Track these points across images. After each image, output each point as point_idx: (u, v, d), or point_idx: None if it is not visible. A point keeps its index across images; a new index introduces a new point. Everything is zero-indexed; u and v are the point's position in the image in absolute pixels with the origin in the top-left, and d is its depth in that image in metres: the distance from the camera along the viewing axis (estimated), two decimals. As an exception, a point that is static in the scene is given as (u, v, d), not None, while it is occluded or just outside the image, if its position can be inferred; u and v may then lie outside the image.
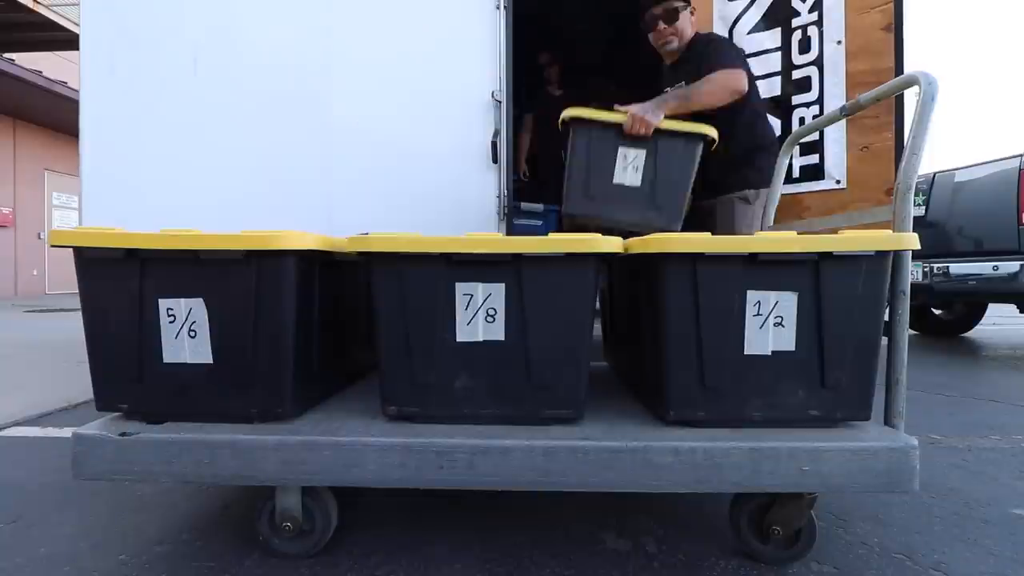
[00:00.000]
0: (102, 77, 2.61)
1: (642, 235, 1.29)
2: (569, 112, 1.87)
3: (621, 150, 1.83)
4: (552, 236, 1.17)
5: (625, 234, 1.31)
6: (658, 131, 1.80)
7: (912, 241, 1.14)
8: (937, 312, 5.51)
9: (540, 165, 3.94)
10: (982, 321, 5.48)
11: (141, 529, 1.37)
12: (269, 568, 1.20)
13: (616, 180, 1.83)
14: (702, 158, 1.86)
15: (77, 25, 3.50)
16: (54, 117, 9.85)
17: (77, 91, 2.74)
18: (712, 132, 1.82)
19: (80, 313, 1.22)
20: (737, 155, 2.04)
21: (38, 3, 7.64)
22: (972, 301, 5.00)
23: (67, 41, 8.27)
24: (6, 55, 7.99)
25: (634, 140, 1.82)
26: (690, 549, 1.29)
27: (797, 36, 2.57)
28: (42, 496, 1.57)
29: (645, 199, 1.83)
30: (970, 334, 5.56)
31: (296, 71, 2.61)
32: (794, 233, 1.13)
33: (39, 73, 8.38)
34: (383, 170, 2.43)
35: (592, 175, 1.85)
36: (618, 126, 1.83)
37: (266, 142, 2.60)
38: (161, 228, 1.19)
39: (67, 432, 2.14)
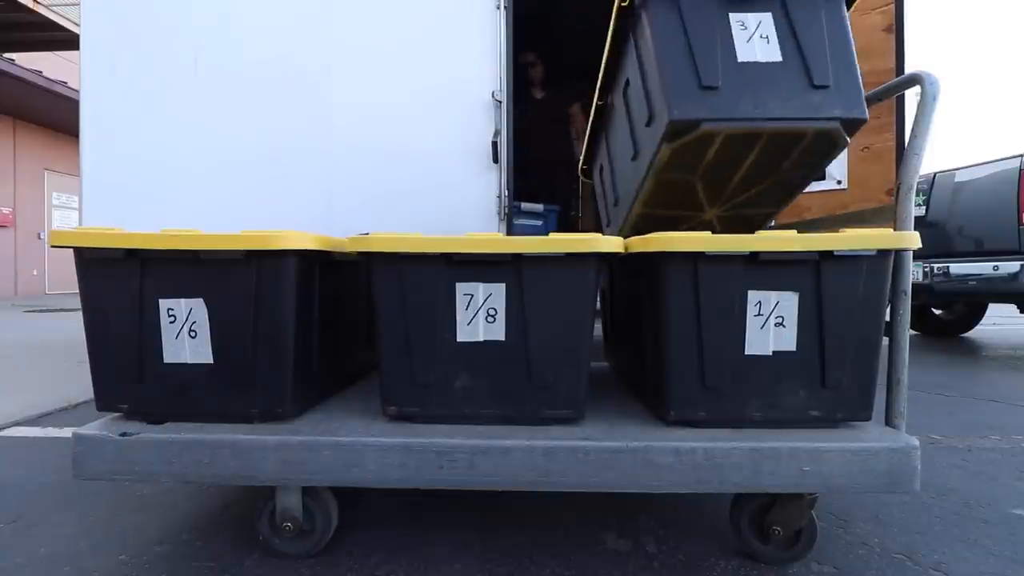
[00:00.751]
0: (102, 77, 2.61)
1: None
2: None
3: (735, 17, 1.27)
4: (552, 236, 1.17)
5: (627, 232, 1.30)
6: None
7: (913, 240, 1.14)
8: (937, 312, 5.51)
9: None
10: (982, 321, 5.48)
11: (141, 529, 1.37)
12: (269, 568, 1.20)
13: (743, 58, 1.26)
14: None
15: (77, 25, 3.51)
16: (54, 117, 9.85)
17: (77, 91, 2.75)
18: None
19: (80, 313, 1.22)
20: None
21: (38, 3, 7.64)
22: (972, 301, 5.00)
23: (67, 41, 8.27)
24: (6, 55, 7.99)
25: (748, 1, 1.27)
26: (690, 549, 1.28)
27: (798, 36, 2.56)
28: (42, 496, 1.57)
29: (798, 77, 1.24)
30: (970, 334, 5.56)
31: (296, 71, 2.61)
32: (794, 232, 1.13)
33: (39, 73, 8.39)
34: (383, 170, 2.43)
35: (702, 57, 1.25)
36: None
37: (266, 142, 2.60)
38: (161, 228, 1.19)
39: (67, 432, 2.14)
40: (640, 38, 1.31)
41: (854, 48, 1.26)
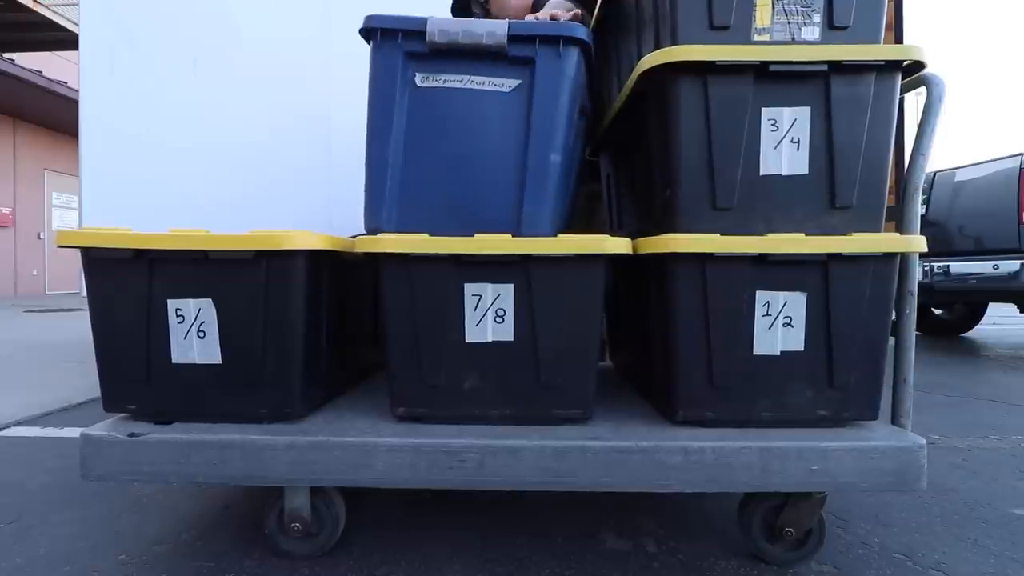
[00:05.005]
0: (102, 77, 2.62)
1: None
2: (671, 54, 1.12)
3: (767, 112, 1.14)
4: (561, 237, 1.17)
5: (634, 233, 1.30)
6: (834, 66, 1.11)
7: (919, 244, 1.15)
8: (937, 312, 5.53)
9: None
10: (982, 321, 5.50)
11: (141, 529, 1.37)
12: (269, 568, 1.20)
13: (767, 170, 1.15)
14: None
15: (77, 25, 3.50)
16: (54, 117, 9.84)
17: (77, 91, 2.75)
18: (921, 57, 1.14)
19: (81, 313, 1.23)
20: None
21: (38, 3, 7.63)
22: (973, 300, 5.01)
23: (67, 41, 8.27)
24: (6, 55, 7.98)
25: (785, 92, 1.13)
26: (690, 549, 1.29)
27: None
28: (42, 496, 1.56)
29: (816, 196, 1.15)
30: (970, 334, 5.58)
31: (296, 71, 2.61)
32: (802, 234, 1.14)
33: (39, 73, 8.38)
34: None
35: (722, 167, 1.14)
36: (757, 68, 1.12)
37: (265, 142, 2.60)
38: (168, 228, 1.19)
39: (67, 432, 2.14)
40: (657, 119, 1.21)
41: (890, 149, 1.18)
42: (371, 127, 1.26)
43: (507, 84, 1.24)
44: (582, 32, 1.24)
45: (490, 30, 1.21)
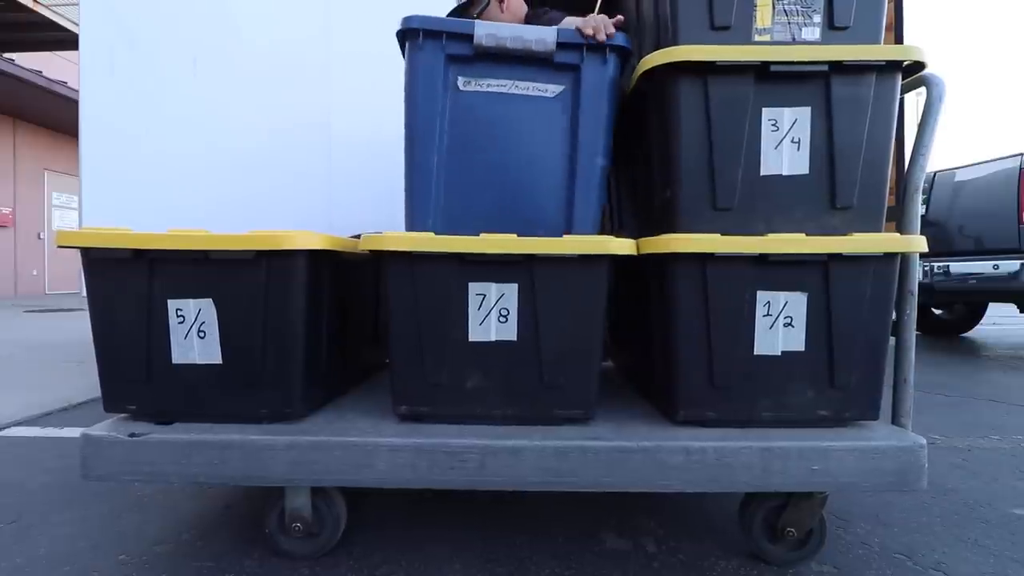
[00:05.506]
0: (102, 77, 2.62)
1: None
2: (671, 54, 1.13)
3: (767, 113, 1.14)
4: (566, 237, 1.17)
5: (635, 233, 1.30)
6: (834, 67, 1.12)
7: (920, 244, 1.15)
8: (937, 312, 5.53)
9: None
10: (982, 321, 5.50)
11: (141, 529, 1.37)
12: (270, 568, 1.20)
13: (767, 171, 1.14)
14: None
15: (77, 25, 3.51)
16: (54, 117, 9.83)
17: (77, 91, 2.75)
18: (921, 57, 1.14)
19: (81, 313, 1.22)
20: None
21: (38, 3, 7.63)
22: (972, 300, 5.01)
23: (67, 41, 8.27)
24: (6, 55, 7.98)
25: (785, 92, 1.13)
26: (690, 549, 1.29)
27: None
28: (42, 496, 1.56)
29: (820, 194, 1.15)
30: (970, 334, 5.58)
31: (296, 71, 2.61)
32: (803, 235, 1.14)
33: (39, 73, 8.37)
34: (384, 169, 2.43)
35: (723, 167, 1.14)
36: (758, 68, 1.12)
37: (265, 142, 2.60)
38: (168, 228, 1.19)
39: (67, 432, 2.14)
40: (658, 119, 1.22)
41: (890, 149, 1.18)
42: (412, 131, 1.26)
43: (551, 90, 1.25)
44: (623, 39, 1.26)
45: (539, 36, 1.22)
